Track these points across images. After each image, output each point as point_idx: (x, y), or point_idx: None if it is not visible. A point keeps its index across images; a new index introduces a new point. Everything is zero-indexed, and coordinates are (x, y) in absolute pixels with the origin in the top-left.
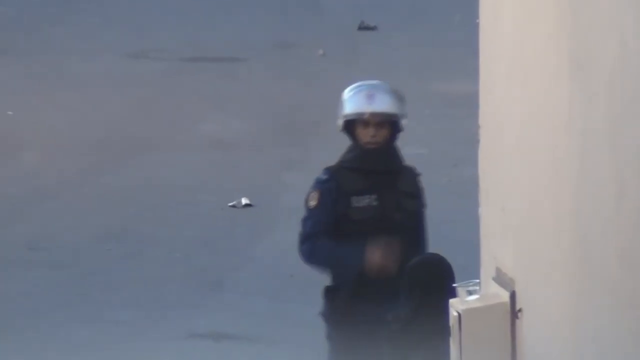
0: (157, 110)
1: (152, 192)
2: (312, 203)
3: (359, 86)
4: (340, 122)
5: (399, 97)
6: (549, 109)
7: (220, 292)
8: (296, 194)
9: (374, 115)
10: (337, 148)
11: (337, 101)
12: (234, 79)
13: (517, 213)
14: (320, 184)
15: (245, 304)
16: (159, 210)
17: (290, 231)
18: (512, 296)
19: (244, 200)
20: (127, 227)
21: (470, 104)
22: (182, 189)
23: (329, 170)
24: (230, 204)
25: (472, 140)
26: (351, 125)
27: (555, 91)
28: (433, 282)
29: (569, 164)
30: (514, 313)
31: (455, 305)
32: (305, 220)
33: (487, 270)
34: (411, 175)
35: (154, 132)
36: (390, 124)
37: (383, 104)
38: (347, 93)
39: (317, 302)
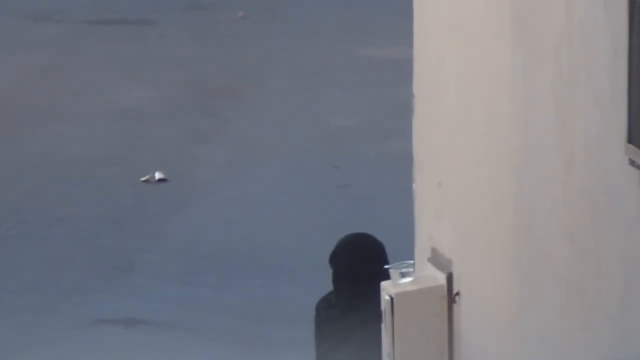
0: (59, 77)
1: (54, 167)
2: None
3: None
4: None
5: None
6: (489, 75)
7: (130, 276)
8: (212, 169)
9: None
10: (256, 118)
11: (257, 68)
12: (143, 44)
13: (454, 189)
14: None
15: (157, 288)
16: (61, 186)
17: (207, 208)
18: (449, 279)
19: (158, 175)
20: (25, 204)
21: (402, 70)
22: (86, 163)
23: None
24: (143, 179)
25: (403, 111)
26: None
27: (496, 54)
28: (357, 265)
29: (512, 134)
30: (451, 297)
31: (388, 289)
32: None
33: (422, 251)
34: None
35: (55, 101)
36: None
37: None
38: None
39: (236, 286)
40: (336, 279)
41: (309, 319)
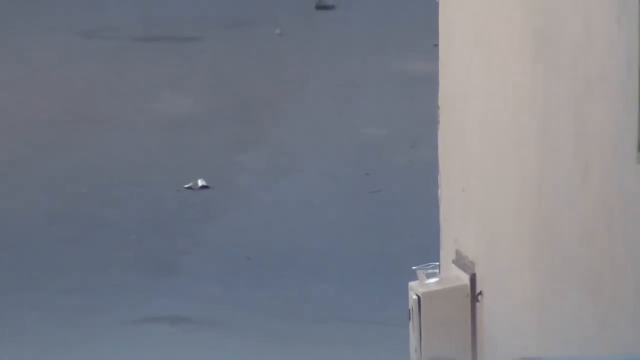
0: (108, 89)
1: (102, 173)
2: None
3: None
4: None
5: None
6: (511, 87)
7: (173, 276)
8: (251, 175)
9: None
10: (293, 128)
11: (293, 81)
12: (187, 59)
13: (478, 194)
14: None
15: (199, 288)
16: (109, 191)
17: (246, 212)
18: (473, 279)
19: (201, 182)
20: (78, 208)
21: (429, 83)
22: (132, 170)
23: None
24: (187, 185)
25: (431, 121)
26: None
27: (518, 68)
28: None
29: (532, 143)
30: (475, 296)
31: (415, 289)
32: None
33: (447, 253)
34: None
35: (103, 112)
36: None
37: None
38: None
39: (273, 286)
40: None
41: (341, 318)
